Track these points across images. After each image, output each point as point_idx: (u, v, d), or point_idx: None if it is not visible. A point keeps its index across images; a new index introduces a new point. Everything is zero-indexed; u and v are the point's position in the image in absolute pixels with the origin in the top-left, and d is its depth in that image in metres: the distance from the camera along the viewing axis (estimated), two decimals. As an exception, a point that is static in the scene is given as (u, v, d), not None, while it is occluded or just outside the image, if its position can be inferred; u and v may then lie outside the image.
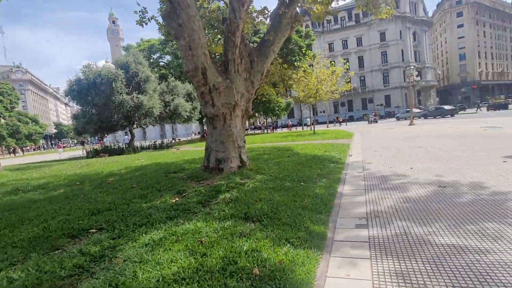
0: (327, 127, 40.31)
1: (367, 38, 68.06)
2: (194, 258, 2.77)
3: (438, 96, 79.68)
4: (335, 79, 21.04)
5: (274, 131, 43.28)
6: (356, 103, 70.15)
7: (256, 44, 8.03)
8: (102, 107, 21.72)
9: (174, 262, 2.71)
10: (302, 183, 5.66)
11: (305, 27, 54.42)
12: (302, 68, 21.73)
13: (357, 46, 69.33)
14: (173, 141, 40.38)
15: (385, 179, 5.83)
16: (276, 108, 36.62)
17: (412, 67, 26.89)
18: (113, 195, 5.83)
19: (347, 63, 20.93)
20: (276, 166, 7.82)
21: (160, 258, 2.81)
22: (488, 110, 41.36)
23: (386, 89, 66.74)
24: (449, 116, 34.22)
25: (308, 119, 41.74)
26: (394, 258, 2.68)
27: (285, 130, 45.57)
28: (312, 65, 22.13)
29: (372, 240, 3.10)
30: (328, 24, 72.71)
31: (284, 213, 3.90)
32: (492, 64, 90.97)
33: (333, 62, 21.94)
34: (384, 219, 3.69)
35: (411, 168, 6.57)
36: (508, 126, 14.79)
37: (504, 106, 40.07)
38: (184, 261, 2.72)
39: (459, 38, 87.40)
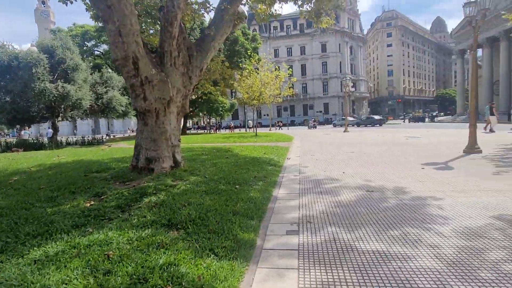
0: (270, 130, 41.18)
1: (310, 48, 71.66)
2: (94, 277, 2.29)
3: (369, 106, 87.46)
4: (279, 84, 21.50)
5: (218, 132, 42.74)
6: (298, 109, 73.29)
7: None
8: (18, 95, 18.87)
9: (66, 284, 2.20)
10: (237, 186, 5.41)
11: (253, 31, 55.11)
12: (247, 70, 21.73)
13: (301, 54, 72.57)
14: (107, 137, 37.23)
15: (319, 183, 5.89)
16: (220, 109, 36.16)
17: (348, 78, 28.90)
18: (11, 197, 4.87)
19: (290, 69, 21.51)
20: (213, 167, 7.47)
21: (49, 279, 2.26)
22: (409, 121, 46.92)
23: (325, 97, 71.04)
24: (378, 125, 37.66)
25: (251, 121, 42.09)
26: (322, 268, 2.55)
27: (228, 131, 45.32)
28: (258, 68, 22.23)
29: (301, 248, 2.96)
30: (274, 31, 74.79)
31: (213, 219, 3.59)
32: (414, 81, 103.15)
33: (277, 67, 22.41)
34: (315, 224, 3.61)
35: (343, 172, 6.80)
36: (424, 136, 16.63)
37: (422, 119, 45.84)
38: (80, 282, 2.22)
39: (388, 56, 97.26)
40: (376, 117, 40.86)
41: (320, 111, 70.43)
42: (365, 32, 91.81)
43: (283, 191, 5.37)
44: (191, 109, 39.72)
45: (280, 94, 22.06)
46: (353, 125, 39.73)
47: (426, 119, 46.58)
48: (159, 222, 3.49)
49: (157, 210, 3.94)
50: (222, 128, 56.50)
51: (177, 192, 4.89)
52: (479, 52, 49.51)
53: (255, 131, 24.00)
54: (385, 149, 11.04)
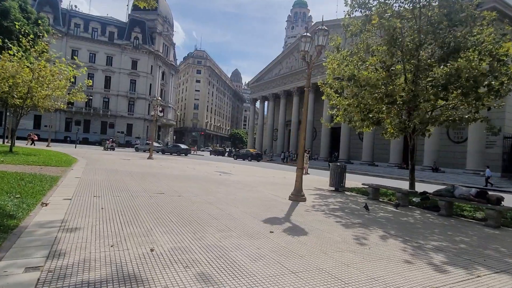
0: (48, 145, 30.96)
1: (118, 60, 64.18)
2: None
3: (174, 134, 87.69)
4: (64, 83, 15.25)
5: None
6: (95, 125, 62.22)
7: None
8: None
9: None
10: None
11: (43, 14, 42.50)
12: (12, 52, 14.22)
13: (107, 65, 63.58)
14: None
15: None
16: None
17: (159, 99, 26.02)
18: None
19: (85, 68, 15.81)
20: None
21: None
22: (210, 154, 49.31)
23: (130, 117, 64.56)
24: (184, 154, 36.42)
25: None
26: None
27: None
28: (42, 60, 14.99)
29: None
30: (76, 28, 62.30)
31: None
32: (215, 118, 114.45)
33: (65, 62, 15.75)
34: None
35: (152, 250, 3.43)
36: (234, 172, 15.87)
37: (222, 153, 49.33)
38: None
39: (196, 90, 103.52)
40: (183, 146, 39.74)
41: (122, 132, 62.79)
42: (178, 63, 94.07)
43: None
44: None
45: (64, 97, 15.73)
46: (157, 152, 36.54)
47: (226, 153, 50.56)
48: None
49: None
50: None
51: None
52: (265, 103, 60.73)
53: (11, 143, 15.77)
54: (202, 189, 8.55)
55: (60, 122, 59.23)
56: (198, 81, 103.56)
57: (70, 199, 5.70)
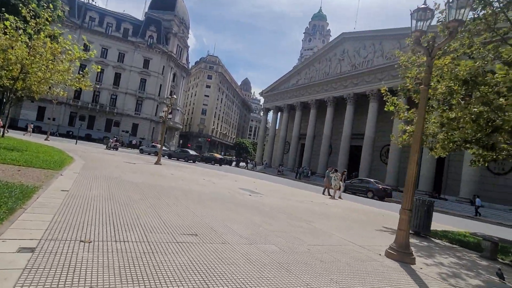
0: (47, 139, 28.44)
1: (130, 58, 62.25)
2: None
3: (180, 138, 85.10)
4: (67, 66, 12.59)
5: None
6: (100, 122, 59.77)
7: None
8: None
9: None
10: None
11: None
12: (9, 22, 11.65)
13: (118, 61, 61.57)
14: None
15: None
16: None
17: (174, 97, 23.43)
18: None
19: (94, 51, 13.13)
20: None
21: None
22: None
23: (137, 117, 62.12)
24: (192, 162, 33.60)
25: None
26: None
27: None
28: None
29: None
30: (90, 22, 60.64)
31: None
32: (221, 126, 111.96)
33: (70, 39, 13.01)
34: None
35: None
36: (260, 190, 13.01)
37: (229, 162, 46.11)
38: None
39: (205, 96, 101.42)
40: (192, 152, 36.85)
41: (127, 131, 60.33)
42: (190, 66, 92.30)
43: None
44: None
45: (65, 82, 13.02)
46: (163, 155, 33.76)
47: (233, 163, 47.62)
48: None
49: None
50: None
51: None
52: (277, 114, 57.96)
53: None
54: (246, 225, 5.72)
55: (64, 116, 56.97)
56: (208, 86, 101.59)
57: (34, 250, 2.89)
